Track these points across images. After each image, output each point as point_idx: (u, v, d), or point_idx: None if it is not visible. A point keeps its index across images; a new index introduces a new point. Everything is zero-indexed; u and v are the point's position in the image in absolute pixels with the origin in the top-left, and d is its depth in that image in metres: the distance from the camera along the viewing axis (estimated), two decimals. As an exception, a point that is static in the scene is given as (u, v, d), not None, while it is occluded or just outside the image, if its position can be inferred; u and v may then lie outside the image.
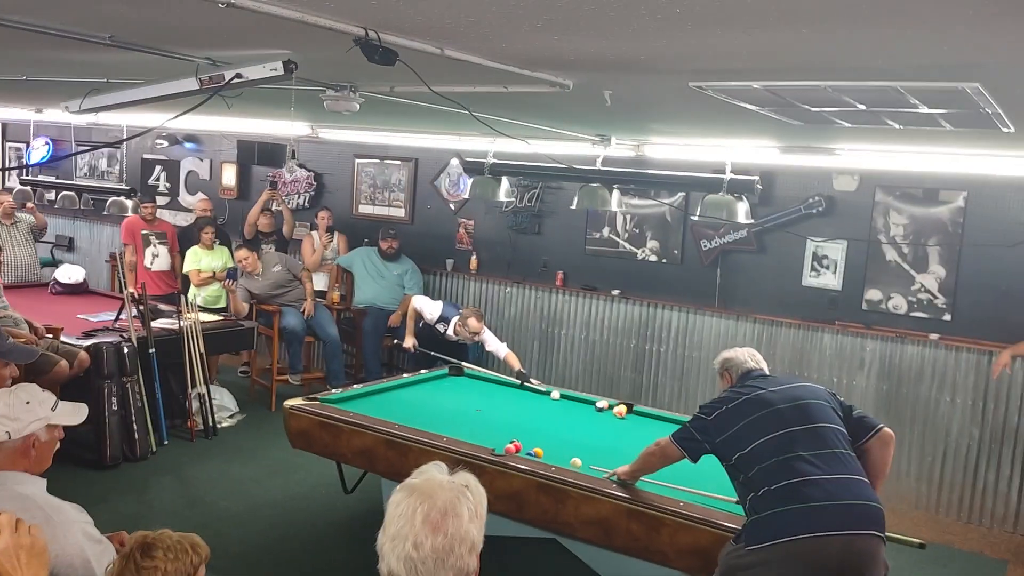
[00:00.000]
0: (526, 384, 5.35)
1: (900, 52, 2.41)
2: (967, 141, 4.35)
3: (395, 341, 7.02)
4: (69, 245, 10.09)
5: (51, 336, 5.46)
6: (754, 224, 5.93)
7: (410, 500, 1.57)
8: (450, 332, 6.35)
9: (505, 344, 6.22)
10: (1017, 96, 2.89)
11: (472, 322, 6.12)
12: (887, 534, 2.81)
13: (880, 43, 2.31)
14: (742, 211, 4.80)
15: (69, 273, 7.56)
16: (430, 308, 6.50)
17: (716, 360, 3.39)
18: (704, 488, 3.47)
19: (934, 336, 5.59)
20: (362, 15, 2.42)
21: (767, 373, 3.25)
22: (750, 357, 3.27)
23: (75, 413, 2.47)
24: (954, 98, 2.94)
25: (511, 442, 3.91)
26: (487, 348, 6.23)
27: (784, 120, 3.86)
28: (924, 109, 3.20)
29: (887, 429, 3.05)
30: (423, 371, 5.54)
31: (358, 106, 3.99)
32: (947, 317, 5.59)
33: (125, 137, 7.85)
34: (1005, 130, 3.57)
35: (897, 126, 3.74)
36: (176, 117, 3.78)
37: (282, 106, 5.15)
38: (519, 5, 2.16)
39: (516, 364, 5.84)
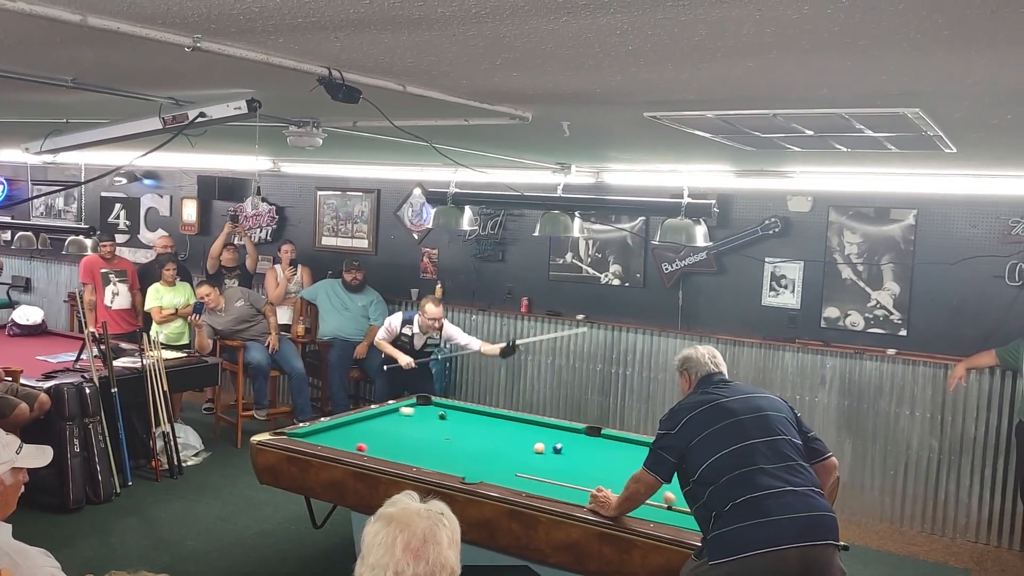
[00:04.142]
0: (517, 347, 5.29)
1: (842, 81, 2.51)
2: (914, 161, 4.50)
3: (385, 367, 6.51)
4: (26, 286, 9.92)
5: (10, 379, 5.38)
6: (713, 247, 6.05)
7: (389, 529, 1.59)
8: (416, 330, 6.33)
9: (475, 337, 6.17)
10: (955, 119, 3.02)
11: (430, 308, 6.04)
12: None
13: (822, 74, 2.42)
14: (700, 234, 4.90)
15: (27, 314, 7.45)
16: (393, 320, 6.51)
17: (676, 358, 3.37)
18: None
19: (891, 351, 5.73)
20: (325, 55, 2.47)
21: (727, 377, 3.27)
22: (711, 359, 3.25)
23: (40, 456, 2.45)
24: (896, 122, 3.07)
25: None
26: (459, 342, 6.13)
27: (737, 146, 3.98)
28: (869, 133, 3.32)
29: (833, 458, 3.15)
30: (391, 402, 5.54)
31: (321, 141, 4.03)
32: (903, 332, 5.73)
33: (83, 180, 7.77)
34: (947, 151, 3.71)
35: (845, 149, 3.88)
36: (142, 156, 3.78)
37: (244, 142, 5.16)
38: (478, 45, 2.22)
39: (494, 347, 5.82)
